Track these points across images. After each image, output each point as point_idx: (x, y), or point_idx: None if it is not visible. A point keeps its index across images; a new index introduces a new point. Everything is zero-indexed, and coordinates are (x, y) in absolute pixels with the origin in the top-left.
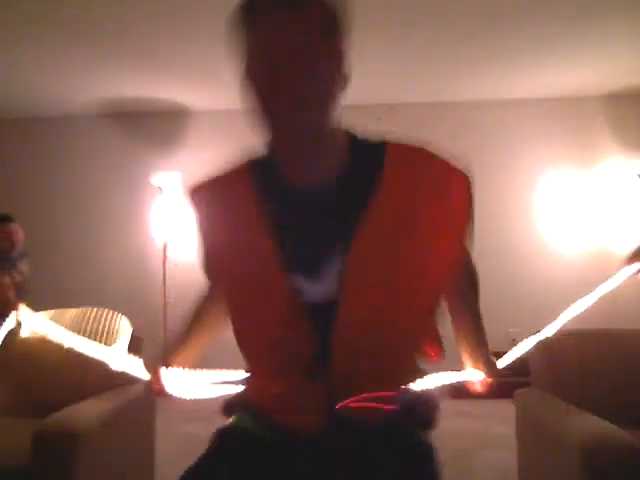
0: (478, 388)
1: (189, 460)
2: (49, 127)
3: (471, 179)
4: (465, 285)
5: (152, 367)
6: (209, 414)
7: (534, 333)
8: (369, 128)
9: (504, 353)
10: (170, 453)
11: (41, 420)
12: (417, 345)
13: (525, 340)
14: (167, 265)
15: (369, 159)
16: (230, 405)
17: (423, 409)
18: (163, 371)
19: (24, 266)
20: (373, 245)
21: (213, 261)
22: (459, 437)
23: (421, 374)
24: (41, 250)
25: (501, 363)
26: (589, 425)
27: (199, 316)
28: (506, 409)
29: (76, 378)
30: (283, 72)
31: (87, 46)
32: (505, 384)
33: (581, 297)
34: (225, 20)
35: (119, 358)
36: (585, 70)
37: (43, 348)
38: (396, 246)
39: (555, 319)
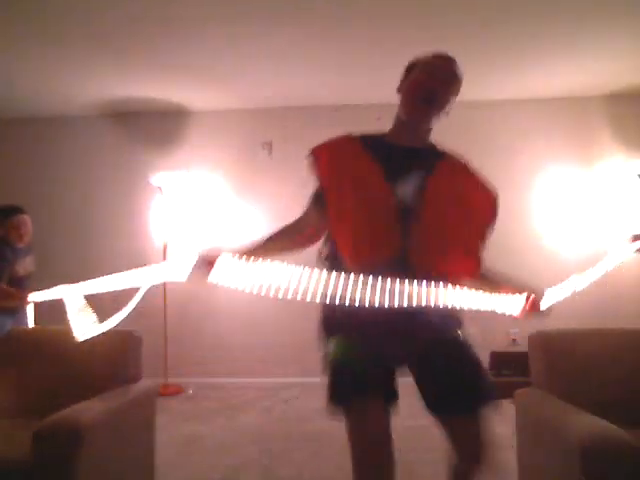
0: (527, 310)
1: (189, 460)
2: (49, 127)
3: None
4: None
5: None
6: (209, 414)
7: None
8: (369, 127)
9: (504, 353)
10: (170, 453)
11: (41, 420)
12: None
13: (566, 283)
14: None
15: (436, 148)
16: (328, 325)
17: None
18: (223, 258)
19: (29, 263)
20: (437, 180)
21: (332, 191)
22: None
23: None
24: (40, 250)
25: (545, 304)
26: (589, 425)
27: (283, 232)
28: (506, 409)
29: (77, 378)
30: (439, 86)
31: (87, 46)
32: (505, 384)
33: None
34: (224, 22)
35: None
36: (586, 70)
37: (44, 348)
38: (444, 182)
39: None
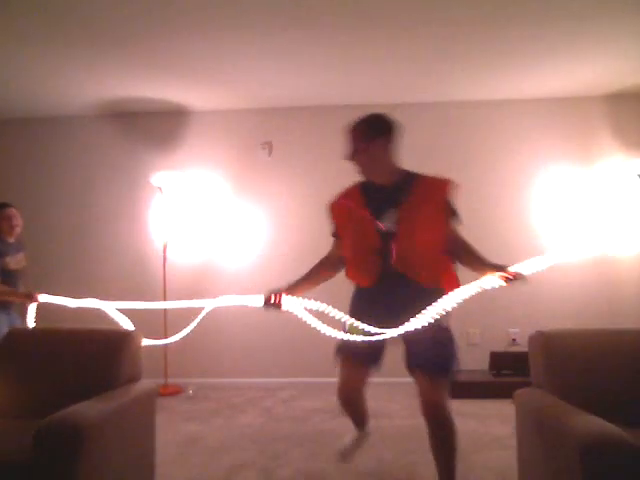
0: (507, 282)
1: (189, 460)
2: (48, 127)
3: (453, 188)
4: (461, 238)
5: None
6: (209, 414)
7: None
8: None
9: (504, 353)
10: (170, 453)
11: (41, 420)
12: (432, 258)
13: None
14: (167, 265)
15: (409, 179)
16: (351, 312)
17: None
18: (284, 297)
19: (20, 259)
20: (408, 210)
21: (341, 227)
22: (459, 437)
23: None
24: (40, 250)
25: (526, 272)
26: (589, 425)
27: (319, 267)
28: (506, 409)
29: (77, 378)
30: (358, 160)
31: (87, 46)
32: (505, 384)
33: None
34: (224, 21)
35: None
36: (586, 70)
37: (44, 348)
38: (417, 212)
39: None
